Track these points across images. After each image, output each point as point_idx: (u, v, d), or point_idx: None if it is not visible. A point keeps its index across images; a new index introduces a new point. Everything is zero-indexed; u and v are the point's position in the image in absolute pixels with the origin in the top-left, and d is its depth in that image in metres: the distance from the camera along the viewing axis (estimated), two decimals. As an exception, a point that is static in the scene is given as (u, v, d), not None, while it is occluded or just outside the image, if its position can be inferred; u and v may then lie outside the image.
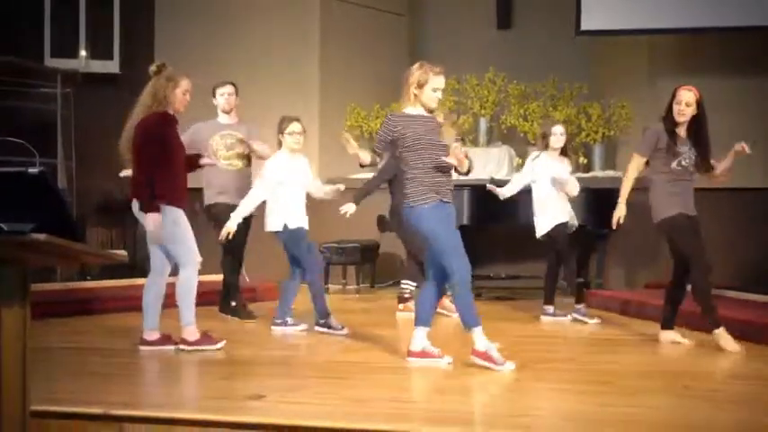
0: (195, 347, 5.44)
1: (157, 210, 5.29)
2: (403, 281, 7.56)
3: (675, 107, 5.60)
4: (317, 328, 6.34)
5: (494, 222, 8.82)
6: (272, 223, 6.35)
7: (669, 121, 5.63)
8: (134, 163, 5.39)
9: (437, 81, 4.98)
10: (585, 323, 6.86)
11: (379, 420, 3.76)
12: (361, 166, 5.50)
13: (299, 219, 6.37)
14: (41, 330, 6.32)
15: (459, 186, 8.44)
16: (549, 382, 4.74)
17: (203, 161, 5.95)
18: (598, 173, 9.81)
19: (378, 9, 10.70)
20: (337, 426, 3.69)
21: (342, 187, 6.66)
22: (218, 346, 5.51)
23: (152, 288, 5.52)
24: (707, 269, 5.57)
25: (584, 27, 9.40)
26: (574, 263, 7.04)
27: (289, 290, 6.51)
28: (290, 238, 6.34)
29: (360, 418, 3.79)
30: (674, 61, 9.22)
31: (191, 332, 5.47)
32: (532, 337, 6.48)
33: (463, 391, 4.47)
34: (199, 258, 5.48)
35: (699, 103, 5.61)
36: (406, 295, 7.43)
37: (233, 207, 6.84)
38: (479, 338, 4.95)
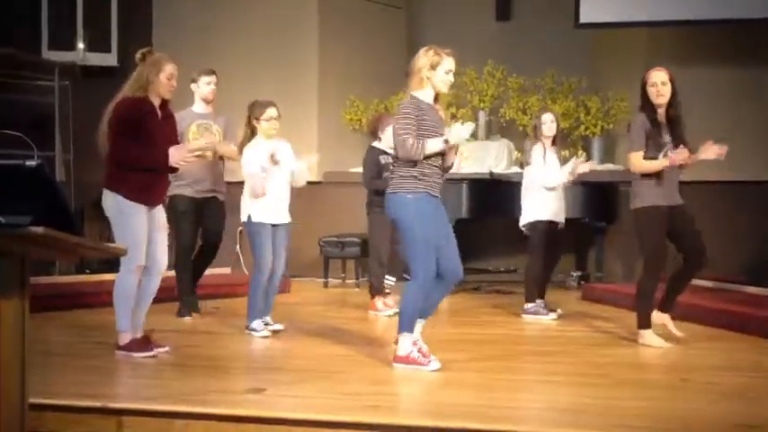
0: (123, 353, 5.11)
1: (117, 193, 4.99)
2: (387, 276, 7.40)
3: (651, 90, 5.46)
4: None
5: (492, 215, 8.82)
6: (242, 213, 5.99)
7: (649, 108, 5.49)
8: (106, 145, 5.07)
9: (449, 62, 4.82)
10: (542, 321, 6.79)
11: (378, 414, 3.76)
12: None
13: (267, 213, 5.92)
14: (40, 323, 6.31)
15: (458, 180, 8.46)
16: (546, 375, 4.75)
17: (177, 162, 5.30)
18: (597, 166, 9.79)
19: (375, 2, 10.68)
20: (338, 419, 3.70)
21: (314, 158, 6.31)
22: (148, 354, 5.10)
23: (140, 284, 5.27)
24: (656, 273, 5.51)
25: (583, 20, 9.39)
26: (538, 263, 6.90)
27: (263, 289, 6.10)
28: (250, 230, 5.96)
29: (359, 412, 3.79)
30: (672, 54, 9.21)
31: (122, 337, 5.17)
32: (528, 330, 6.49)
33: (461, 384, 4.47)
34: (138, 263, 5.07)
35: (672, 83, 5.48)
36: (387, 291, 7.29)
37: (193, 200, 6.68)
38: (404, 345, 4.78)
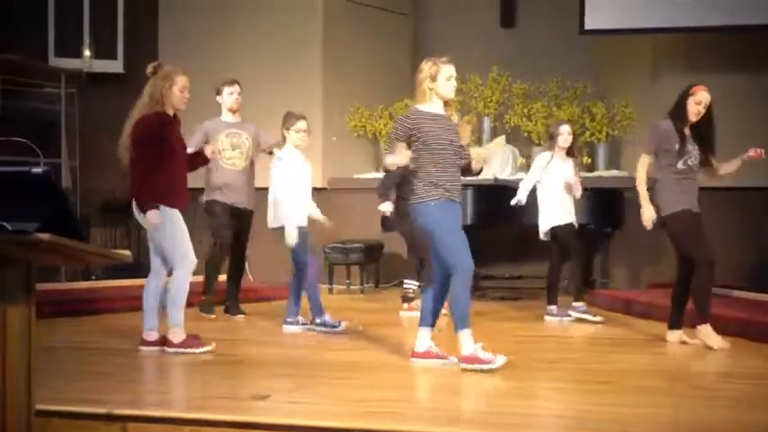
0: (179, 349, 5.35)
1: (156, 207, 5.27)
2: (406, 280, 7.56)
3: (694, 107, 5.59)
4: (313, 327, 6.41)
5: (498, 222, 8.82)
6: (274, 219, 6.38)
7: (680, 120, 5.61)
8: (131, 162, 5.33)
9: (448, 69, 4.96)
10: (589, 321, 6.85)
11: (383, 420, 3.76)
12: (386, 171, 5.45)
13: (301, 217, 6.38)
14: (46, 330, 6.31)
15: (463, 186, 8.45)
16: (552, 382, 4.74)
17: (207, 151, 5.88)
18: (602, 172, 9.80)
19: (381, 8, 10.70)
20: (343, 425, 3.69)
21: (329, 224, 6.74)
22: (204, 349, 5.42)
23: (151, 289, 5.51)
24: (710, 268, 5.56)
25: (587, 26, 9.40)
26: (581, 261, 7.04)
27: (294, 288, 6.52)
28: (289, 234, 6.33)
29: (364, 418, 3.79)
30: (677, 60, 9.21)
31: (176, 333, 5.40)
32: (535, 337, 6.48)
33: (466, 390, 4.47)
34: (194, 260, 5.42)
35: (711, 105, 5.63)
36: (410, 294, 7.43)
37: (228, 206, 6.94)
38: (467, 343, 4.88)
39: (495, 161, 9.85)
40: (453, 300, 4.97)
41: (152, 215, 5.26)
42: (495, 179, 9.27)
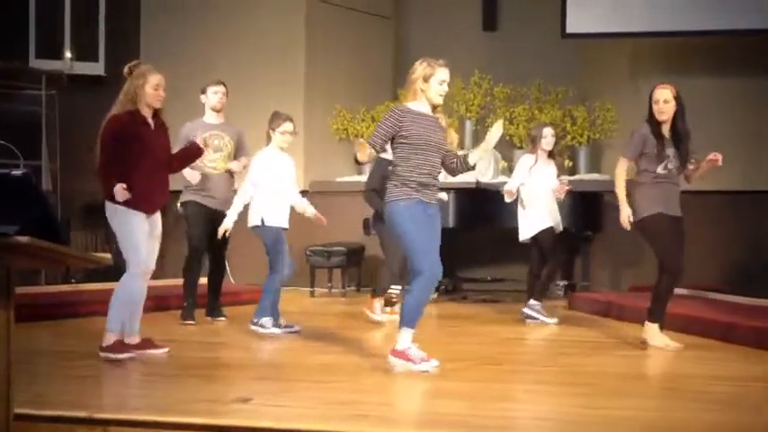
0: (105, 354, 5.19)
1: (111, 193, 5.11)
2: (392, 285, 7.47)
3: (654, 107, 5.63)
4: (252, 327, 6.32)
5: (479, 225, 8.84)
6: (252, 218, 6.36)
7: (653, 123, 5.65)
8: (99, 158, 5.20)
9: (442, 73, 4.90)
10: (540, 322, 6.84)
11: (365, 423, 3.76)
12: (359, 162, 5.30)
13: (277, 217, 6.34)
14: (25, 333, 6.27)
15: (445, 190, 8.47)
16: (533, 384, 4.76)
17: (199, 141, 5.72)
18: (583, 176, 9.85)
19: (363, 12, 10.70)
20: (325, 428, 3.69)
21: (324, 221, 6.66)
22: (125, 355, 5.19)
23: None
24: (675, 274, 5.60)
25: (569, 30, 9.45)
26: (557, 267, 7.05)
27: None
28: (265, 234, 6.32)
29: (348, 421, 3.78)
30: (657, 64, 9.27)
31: (106, 337, 5.24)
32: (516, 339, 6.50)
33: (449, 393, 4.47)
34: (146, 268, 5.25)
35: (677, 100, 5.62)
36: (394, 300, 7.38)
37: (205, 208, 6.86)
38: (404, 339, 4.87)
39: (476, 166, 9.86)
40: (409, 296, 4.93)
41: (119, 192, 5.08)
42: (477, 183, 9.30)
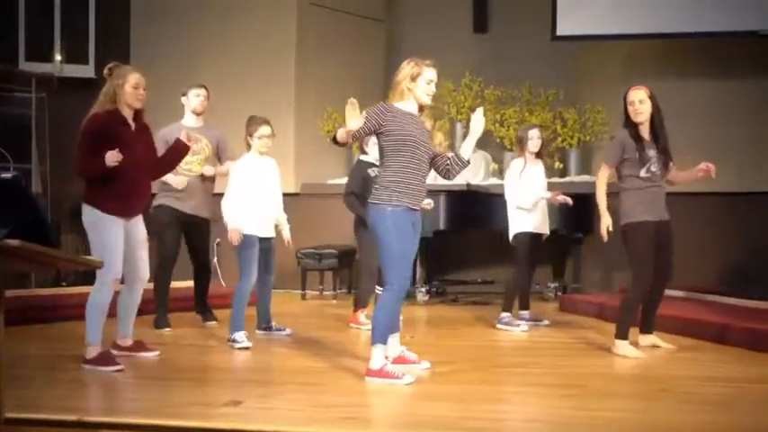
0: (90, 366, 5.08)
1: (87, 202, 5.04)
2: (378, 287, 7.46)
3: (630, 108, 5.58)
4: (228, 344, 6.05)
5: (470, 227, 8.84)
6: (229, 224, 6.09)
7: (631, 126, 5.61)
8: (75, 157, 5.11)
9: (430, 73, 4.85)
10: (511, 332, 6.80)
11: (355, 425, 3.76)
12: (336, 142, 5.09)
13: (255, 226, 6.10)
14: (15, 336, 6.26)
15: (436, 191, 8.49)
16: (523, 386, 4.76)
17: (183, 137, 5.48)
18: (574, 178, 9.86)
19: (355, 14, 10.70)
20: (315, 431, 3.69)
21: (289, 242, 6.45)
22: (115, 368, 5.04)
23: (124, 295, 5.44)
24: (644, 290, 5.59)
25: (559, 32, 9.46)
26: (525, 274, 6.97)
27: (260, 295, 6.47)
28: (241, 242, 6.07)
29: (337, 424, 3.79)
30: (649, 67, 9.29)
31: (89, 350, 5.14)
32: (506, 341, 6.50)
33: (438, 395, 4.47)
34: (116, 275, 5.12)
35: (652, 99, 5.58)
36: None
37: (179, 212, 6.75)
38: (377, 356, 4.74)
39: (467, 168, 9.88)
40: (377, 310, 4.83)
41: (110, 154, 4.94)
42: (468, 185, 9.31)
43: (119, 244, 5.11)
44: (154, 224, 6.74)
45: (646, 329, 5.89)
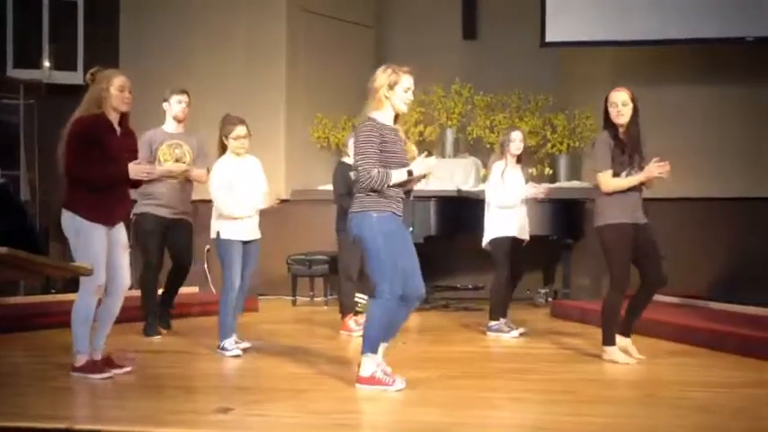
0: (78, 374, 5.01)
1: (69, 211, 4.96)
2: (357, 294, 7.40)
3: (612, 110, 5.51)
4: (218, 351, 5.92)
5: (460, 233, 8.84)
6: (211, 230, 6.00)
7: (611, 127, 5.55)
8: (63, 164, 5.01)
9: (408, 80, 4.77)
10: (503, 338, 6.77)
11: (346, 432, 3.75)
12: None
13: (235, 230, 5.91)
14: (4, 344, 6.23)
15: (426, 197, 8.50)
16: (513, 392, 4.76)
17: (138, 170, 5.16)
18: (563, 183, 9.88)
19: (345, 20, 10.71)
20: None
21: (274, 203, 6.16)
22: (106, 375, 5.00)
23: (105, 303, 5.19)
24: (623, 291, 5.53)
25: (548, 39, 9.50)
26: (502, 279, 6.92)
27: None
28: (219, 246, 5.95)
29: (327, 430, 3.78)
30: (638, 73, 9.32)
31: (78, 359, 5.06)
32: (496, 347, 6.50)
33: (429, 402, 4.46)
34: (98, 282, 4.98)
35: (634, 102, 5.52)
36: (359, 309, 7.30)
37: (161, 218, 6.69)
38: (368, 365, 4.68)
39: (457, 173, 9.90)
40: (367, 321, 4.75)
41: (64, 217, 4.94)
42: (459, 191, 9.32)
43: (102, 251, 5.01)
44: (137, 232, 6.74)
45: (623, 332, 5.76)
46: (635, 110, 5.53)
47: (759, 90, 9.33)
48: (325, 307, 9.10)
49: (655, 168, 5.44)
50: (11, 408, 4.02)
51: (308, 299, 9.42)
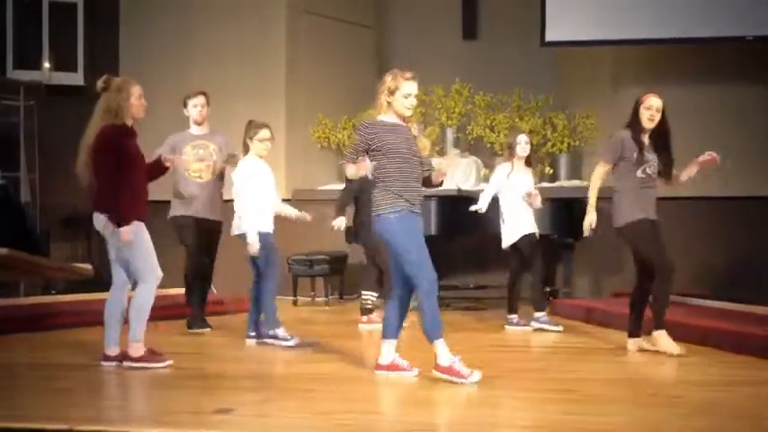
0: (140, 364, 5.27)
1: (129, 220, 5.21)
2: (363, 292, 7.48)
3: (646, 113, 5.67)
4: (264, 339, 6.30)
5: (461, 232, 8.85)
6: (237, 227, 6.33)
7: (637, 129, 5.69)
8: (97, 176, 5.25)
9: (408, 87, 4.90)
10: (549, 331, 6.90)
11: (347, 432, 3.75)
12: (348, 180, 5.36)
13: (262, 224, 6.31)
14: (5, 346, 6.23)
15: (427, 197, 8.49)
16: (515, 391, 4.76)
17: (167, 161, 5.71)
18: (564, 183, 9.89)
19: (345, 21, 10.72)
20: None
21: (308, 217, 6.66)
22: (164, 364, 5.32)
23: (114, 303, 5.43)
24: (670, 272, 5.64)
25: (548, 38, 9.49)
26: (541, 272, 7.09)
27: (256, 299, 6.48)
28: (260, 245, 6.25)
29: (334, 431, 3.78)
30: (638, 72, 9.33)
31: (137, 348, 5.31)
32: (499, 346, 6.50)
33: (431, 401, 4.47)
34: (159, 274, 5.37)
35: (664, 111, 5.70)
36: (369, 306, 7.38)
37: (196, 219, 6.88)
38: (443, 352, 4.88)
39: (457, 173, 9.90)
40: (422, 312, 4.93)
41: (126, 231, 5.19)
42: (459, 190, 9.32)
43: (152, 245, 5.35)
44: (176, 232, 6.95)
45: (634, 333, 5.87)
46: (665, 118, 5.72)
47: (759, 89, 9.32)
48: (327, 307, 9.09)
49: (705, 158, 5.78)
50: (11, 410, 4.02)
51: (310, 299, 9.41)
